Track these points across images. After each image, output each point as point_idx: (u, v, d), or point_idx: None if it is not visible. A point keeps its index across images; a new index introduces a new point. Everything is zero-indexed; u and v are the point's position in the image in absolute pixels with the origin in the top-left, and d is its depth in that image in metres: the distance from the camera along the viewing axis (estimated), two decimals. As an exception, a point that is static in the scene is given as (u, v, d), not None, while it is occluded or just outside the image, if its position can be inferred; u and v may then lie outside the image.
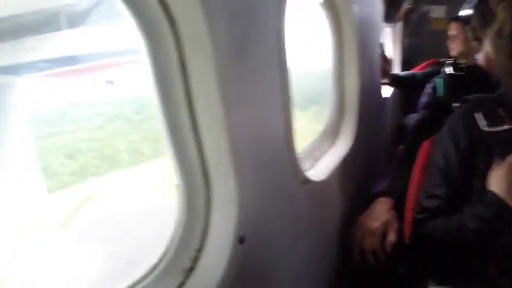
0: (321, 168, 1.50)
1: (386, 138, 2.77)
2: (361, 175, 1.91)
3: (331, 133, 1.73)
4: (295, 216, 1.26)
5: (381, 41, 2.54)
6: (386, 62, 2.59)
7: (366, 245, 1.47)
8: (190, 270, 0.95)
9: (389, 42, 3.44)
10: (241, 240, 0.96)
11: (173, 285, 0.94)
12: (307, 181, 1.31)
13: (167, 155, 0.98)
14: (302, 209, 1.31)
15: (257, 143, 1.03)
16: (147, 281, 0.91)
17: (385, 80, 2.63)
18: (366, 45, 1.91)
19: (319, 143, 1.63)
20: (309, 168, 1.44)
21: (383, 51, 2.57)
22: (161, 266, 0.94)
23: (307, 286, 1.38)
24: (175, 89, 0.88)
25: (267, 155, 1.08)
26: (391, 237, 1.45)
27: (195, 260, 0.96)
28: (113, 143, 7.72)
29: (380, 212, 1.50)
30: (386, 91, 2.83)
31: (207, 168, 0.93)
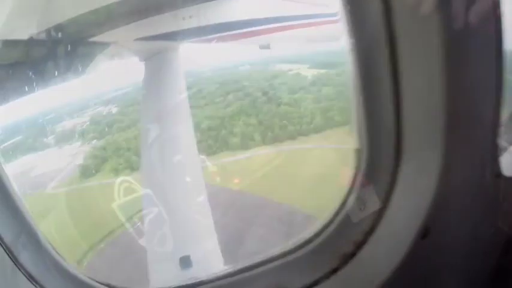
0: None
1: None
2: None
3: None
4: (483, 216, 0.99)
5: None
6: None
7: None
8: (351, 256, 0.79)
9: None
10: (425, 232, 0.77)
11: (323, 269, 0.79)
12: (499, 174, 1.03)
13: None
14: (491, 209, 1.03)
15: (467, 114, 0.80)
16: (289, 258, 0.80)
17: None
18: None
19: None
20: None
21: None
22: (313, 245, 0.81)
23: None
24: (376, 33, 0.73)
25: (474, 132, 0.84)
26: None
27: (359, 245, 0.79)
28: (231, 124, 8.14)
29: None
30: None
31: (402, 135, 0.75)
